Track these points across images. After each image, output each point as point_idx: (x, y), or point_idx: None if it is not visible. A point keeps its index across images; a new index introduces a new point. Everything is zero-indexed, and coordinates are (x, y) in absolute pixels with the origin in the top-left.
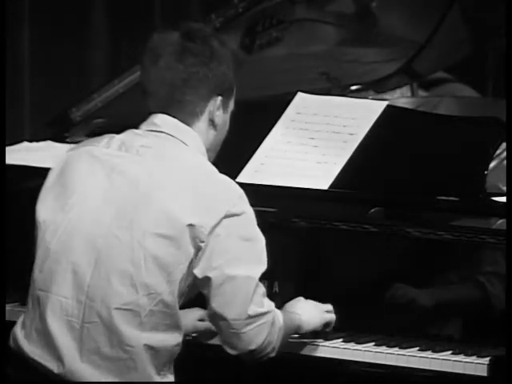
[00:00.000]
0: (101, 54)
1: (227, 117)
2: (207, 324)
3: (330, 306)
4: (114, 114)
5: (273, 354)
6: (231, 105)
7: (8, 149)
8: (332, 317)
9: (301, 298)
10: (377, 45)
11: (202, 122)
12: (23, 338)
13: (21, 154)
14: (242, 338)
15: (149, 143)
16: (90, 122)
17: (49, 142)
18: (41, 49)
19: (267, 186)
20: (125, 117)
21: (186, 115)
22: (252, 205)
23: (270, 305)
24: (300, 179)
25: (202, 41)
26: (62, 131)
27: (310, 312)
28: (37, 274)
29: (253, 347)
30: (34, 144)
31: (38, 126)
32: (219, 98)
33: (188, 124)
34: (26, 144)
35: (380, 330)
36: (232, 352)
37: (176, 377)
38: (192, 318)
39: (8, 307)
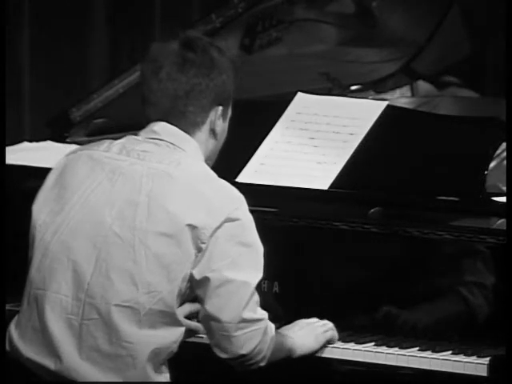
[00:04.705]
0: (101, 54)
1: (226, 125)
2: (194, 323)
3: (329, 325)
4: (113, 114)
5: (263, 364)
6: (229, 112)
7: (8, 149)
8: (331, 335)
9: (299, 322)
10: (377, 45)
11: (203, 132)
12: (18, 338)
13: (21, 154)
14: (233, 341)
15: (149, 148)
16: (90, 122)
17: (49, 142)
18: (41, 49)
19: (267, 186)
20: (125, 117)
21: (188, 125)
22: (252, 205)
23: (263, 313)
24: (300, 179)
25: (202, 51)
26: (62, 131)
27: (305, 337)
28: (34, 273)
29: (244, 352)
30: (34, 144)
31: (38, 126)
32: (220, 107)
33: (189, 134)
34: (25, 144)
35: (380, 330)
36: (222, 355)
37: (175, 376)
38: (180, 313)
39: (8, 307)
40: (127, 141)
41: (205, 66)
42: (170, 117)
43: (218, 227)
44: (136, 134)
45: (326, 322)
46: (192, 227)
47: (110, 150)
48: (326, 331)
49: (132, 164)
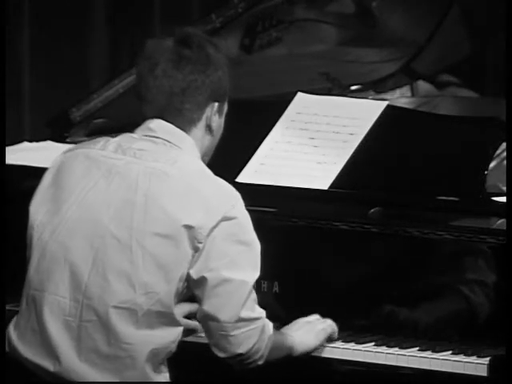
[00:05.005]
0: (101, 54)
1: (222, 120)
2: (193, 322)
3: (328, 321)
4: (113, 114)
5: (261, 362)
6: (225, 108)
7: (8, 149)
8: (331, 330)
9: (298, 321)
10: (377, 45)
11: (199, 129)
12: (17, 339)
13: (21, 154)
14: (231, 340)
15: (146, 147)
16: (90, 122)
17: (49, 142)
18: (41, 49)
19: (267, 186)
20: (125, 117)
21: (184, 122)
22: (252, 205)
23: (261, 312)
24: (300, 179)
25: (198, 47)
26: (62, 131)
27: (305, 335)
28: (32, 274)
29: (241, 351)
30: (34, 144)
31: (38, 126)
32: (216, 103)
33: (185, 131)
34: (25, 144)
35: (380, 330)
36: (220, 355)
37: (175, 376)
38: (178, 313)
39: (8, 307)
40: (123, 139)
41: (201, 62)
42: (165, 114)
43: (215, 226)
44: (132, 132)
45: (325, 319)
46: (188, 227)
47: (105, 149)
48: (326, 327)
49: (128, 163)
